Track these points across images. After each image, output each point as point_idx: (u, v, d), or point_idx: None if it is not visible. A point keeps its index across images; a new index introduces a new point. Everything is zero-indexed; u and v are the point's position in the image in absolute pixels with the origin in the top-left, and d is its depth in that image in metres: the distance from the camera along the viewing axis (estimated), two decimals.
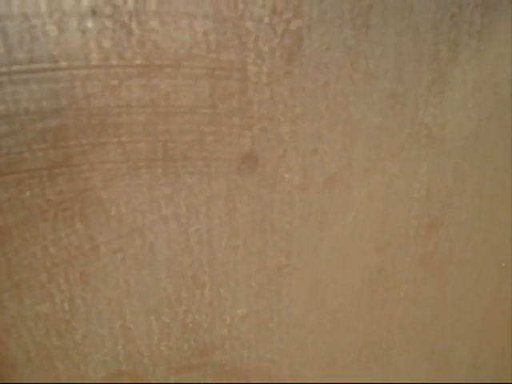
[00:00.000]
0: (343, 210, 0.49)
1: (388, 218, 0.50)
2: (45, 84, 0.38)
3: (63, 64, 0.38)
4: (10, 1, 0.36)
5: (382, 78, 0.44)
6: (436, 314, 0.57)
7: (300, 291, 0.51)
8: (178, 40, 0.39)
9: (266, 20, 0.40)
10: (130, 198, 0.43)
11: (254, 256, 0.48)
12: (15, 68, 0.37)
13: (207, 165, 0.43)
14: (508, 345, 0.61)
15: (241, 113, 0.42)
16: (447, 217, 0.52)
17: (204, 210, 0.45)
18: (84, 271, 0.45)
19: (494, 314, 0.59)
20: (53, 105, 0.39)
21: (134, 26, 0.38)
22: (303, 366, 0.56)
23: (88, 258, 0.45)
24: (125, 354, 0.50)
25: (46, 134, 0.40)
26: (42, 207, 0.42)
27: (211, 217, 0.46)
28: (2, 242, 0.42)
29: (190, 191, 0.44)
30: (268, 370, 0.55)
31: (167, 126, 0.41)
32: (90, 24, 0.37)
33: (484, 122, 0.49)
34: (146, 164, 0.42)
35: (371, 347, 0.57)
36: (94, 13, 0.37)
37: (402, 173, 0.49)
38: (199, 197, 0.44)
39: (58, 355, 0.48)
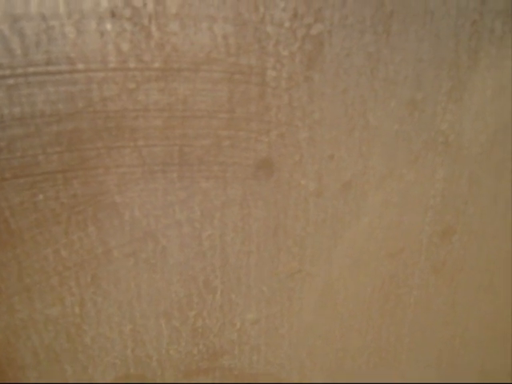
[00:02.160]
0: (357, 217, 0.48)
1: (402, 224, 0.50)
2: (61, 86, 0.37)
3: (80, 66, 0.37)
4: (27, 1, 0.35)
5: (401, 84, 0.43)
6: (445, 321, 0.57)
7: (311, 297, 0.51)
8: (197, 43, 0.38)
9: (287, 24, 0.39)
10: (144, 202, 0.42)
11: (266, 261, 0.48)
12: (31, 70, 0.36)
13: (223, 170, 0.42)
14: None
15: (258, 118, 0.41)
16: (461, 224, 0.51)
17: (218, 215, 0.44)
18: (95, 275, 0.44)
19: (503, 321, 0.58)
20: (69, 108, 0.38)
21: (153, 28, 0.37)
22: (312, 371, 0.55)
23: (100, 261, 0.44)
24: (134, 358, 0.49)
25: (61, 136, 0.39)
26: (55, 210, 0.41)
27: (225, 222, 0.45)
28: (14, 245, 0.41)
29: (204, 196, 0.43)
30: (277, 374, 0.54)
31: (184, 130, 0.40)
32: (108, 26, 0.36)
33: (501, 130, 0.48)
34: (162, 168, 0.41)
35: (380, 353, 0.57)
36: (113, 15, 0.36)
37: (417, 180, 0.48)
38: (214, 202, 0.44)
39: (66, 358, 0.48)
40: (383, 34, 0.41)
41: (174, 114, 0.40)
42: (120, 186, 0.41)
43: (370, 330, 0.55)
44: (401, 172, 0.47)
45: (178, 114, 0.40)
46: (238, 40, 0.39)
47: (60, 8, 0.35)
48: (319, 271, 0.49)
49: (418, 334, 0.57)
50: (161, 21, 0.37)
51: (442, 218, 0.51)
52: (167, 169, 0.41)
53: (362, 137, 0.44)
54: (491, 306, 0.57)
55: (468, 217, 0.51)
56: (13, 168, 0.39)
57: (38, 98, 0.37)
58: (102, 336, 0.47)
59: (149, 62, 0.38)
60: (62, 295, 0.45)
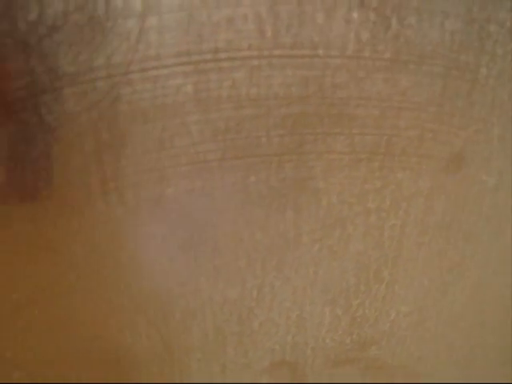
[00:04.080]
0: None
1: None
2: (299, 70, 0.39)
3: (320, 52, 0.39)
4: None
5: None
6: None
7: (463, 292, 0.53)
8: (427, 37, 0.40)
9: (508, 24, 0.42)
10: (343, 189, 0.44)
11: (433, 254, 0.50)
12: (277, 52, 0.38)
13: (419, 162, 0.45)
14: None
15: (462, 113, 0.44)
16: None
17: (404, 206, 0.47)
18: (281, 259, 0.46)
19: None
20: (300, 91, 0.40)
21: (393, 20, 0.39)
22: (445, 365, 0.58)
23: (289, 246, 0.46)
24: (292, 344, 0.51)
25: (286, 120, 0.41)
26: (261, 193, 0.43)
27: (409, 213, 0.47)
28: (215, 225, 0.43)
29: (397, 186, 0.46)
30: (413, 367, 0.57)
31: (396, 121, 0.43)
32: (355, 14, 0.38)
33: None
34: (367, 157, 0.44)
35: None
36: (362, 4, 0.38)
37: None
38: (404, 192, 0.46)
39: (232, 341, 0.50)
40: None
41: (391, 105, 0.42)
42: (326, 172, 0.43)
43: (507, 326, 0.58)
44: None
45: (395, 105, 0.42)
46: (462, 37, 0.41)
47: None
48: (476, 267, 0.52)
49: None
50: (402, 13, 0.39)
51: None
52: (372, 158, 0.44)
53: None
54: None
55: None
56: (235, 148, 0.41)
57: (275, 81, 0.39)
58: (270, 321, 0.49)
59: (381, 53, 0.40)
60: (245, 277, 0.46)
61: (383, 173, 0.45)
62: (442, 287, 0.53)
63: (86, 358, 0.49)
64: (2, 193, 0.40)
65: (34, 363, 0.49)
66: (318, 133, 0.42)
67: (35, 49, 0.36)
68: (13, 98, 0.37)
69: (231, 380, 0.53)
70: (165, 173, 0.41)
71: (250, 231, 0.45)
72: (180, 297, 0.46)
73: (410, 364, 0.57)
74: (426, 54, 0.41)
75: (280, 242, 0.46)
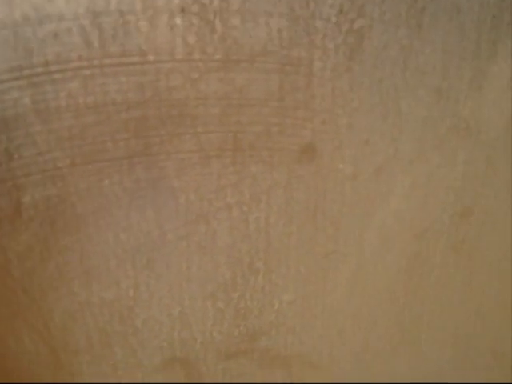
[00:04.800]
0: (387, 199, 0.54)
1: (426, 206, 0.56)
2: (132, 76, 0.43)
3: (151, 58, 0.43)
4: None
5: (429, 74, 0.50)
6: (462, 300, 0.63)
7: (343, 277, 0.57)
8: (255, 36, 0.44)
9: (333, 19, 0.45)
10: (199, 186, 0.48)
11: (305, 242, 0.53)
12: (107, 61, 0.42)
13: (271, 155, 0.48)
14: None
15: (304, 106, 0.47)
16: (478, 205, 0.58)
17: (265, 198, 0.50)
18: (150, 258, 0.49)
19: None
20: (137, 96, 0.43)
21: (217, 23, 0.43)
22: (340, 350, 0.61)
23: (155, 244, 0.49)
24: (180, 340, 0.54)
25: (128, 124, 0.44)
26: (118, 195, 0.46)
27: (271, 204, 0.50)
28: (78, 229, 0.46)
29: (253, 180, 0.49)
30: (309, 356, 0.60)
31: (239, 117, 0.46)
32: (178, 21, 0.42)
33: None
34: (217, 154, 0.47)
35: (402, 333, 0.63)
36: (182, 10, 0.42)
37: (441, 163, 0.54)
38: (262, 185, 0.49)
39: (118, 341, 0.52)
40: (416, 28, 0.48)
41: (230, 103, 0.46)
42: (178, 170, 0.47)
43: (393, 310, 0.61)
44: (427, 156, 0.54)
45: (234, 103, 0.46)
46: (290, 34, 0.45)
47: (136, 4, 0.41)
48: (351, 252, 0.56)
49: (437, 313, 0.63)
50: (224, 16, 0.43)
51: (462, 200, 0.57)
52: (222, 154, 0.47)
53: (394, 123, 0.51)
54: (505, 285, 0.63)
55: (484, 198, 0.58)
56: (83, 154, 0.44)
57: (110, 88, 0.43)
58: (152, 319, 0.52)
59: (211, 54, 0.44)
60: (118, 278, 0.50)
61: (236, 168, 0.48)
62: (320, 273, 0.56)
63: None
64: None
65: None
66: (163, 134, 0.45)
67: None
68: None
69: (126, 380, 0.56)
70: (18, 182, 0.44)
71: (113, 233, 0.48)
72: (56, 301, 0.49)
73: (305, 353, 0.60)
74: (256, 52, 0.45)
75: (146, 241, 0.49)
